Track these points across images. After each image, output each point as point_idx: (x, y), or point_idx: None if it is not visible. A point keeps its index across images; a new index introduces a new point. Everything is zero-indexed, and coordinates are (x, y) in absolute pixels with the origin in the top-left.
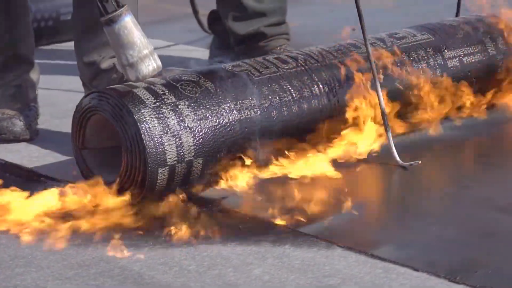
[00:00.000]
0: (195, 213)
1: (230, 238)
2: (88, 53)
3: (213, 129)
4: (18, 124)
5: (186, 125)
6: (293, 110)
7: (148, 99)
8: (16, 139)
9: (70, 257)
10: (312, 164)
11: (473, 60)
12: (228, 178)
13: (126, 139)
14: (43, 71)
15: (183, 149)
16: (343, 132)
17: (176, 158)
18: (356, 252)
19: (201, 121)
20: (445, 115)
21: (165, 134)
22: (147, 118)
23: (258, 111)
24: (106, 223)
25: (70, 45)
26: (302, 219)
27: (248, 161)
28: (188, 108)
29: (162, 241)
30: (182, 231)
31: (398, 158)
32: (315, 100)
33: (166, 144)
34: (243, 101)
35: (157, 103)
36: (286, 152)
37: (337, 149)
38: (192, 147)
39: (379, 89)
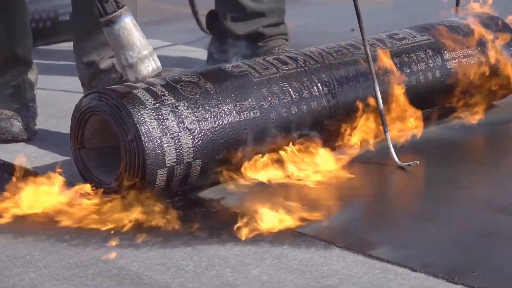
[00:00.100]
0: (192, 213)
1: (228, 238)
2: (87, 53)
3: (212, 130)
4: (16, 125)
5: (185, 126)
6: (292, 112)
7: (147, 100)
8: (14, 140)
9: (68, 257)
10: (311, 165)
11: (472, 62)
12: (226, 179)
13: (125, 140)
14: (41, 72)
15: (182, 151)
16: (342, 133)
17: (175, 160)
18: (354, 253)
19: (200, 123)
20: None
21: (164, 136)
22: (147, 119)
23: (258, 113)
24: (104, 223)
25: (68, 46)
26: (300, 220)
27: (246, 162)
28: (187, 109)
29: (160, 241)
30: (180, 231)
31: (396, 159)
32: (314, 101)
33: (165, 145)
34: (243, 103)
35: (157, 104)
36: (284, 153)
37: (336, 149)
38: (191, 149)
39: (377, 89)
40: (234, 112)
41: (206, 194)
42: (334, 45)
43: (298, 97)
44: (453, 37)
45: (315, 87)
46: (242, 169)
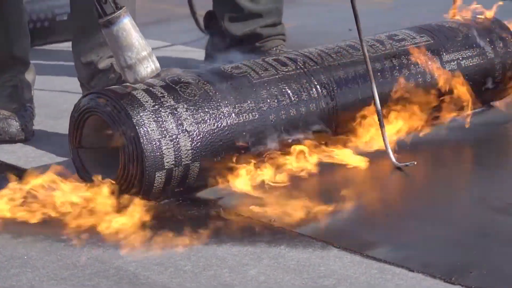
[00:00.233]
0: (190, 213)
1: (225, 238)
2: (85, 53)
3: (211, 132)
4: (14, 125)
5: (184, 128)
6: (291, 114)
7: (147, 101)
8: (12, 140)
9: (65, 257)
10: (308, 166)
11: (471, 64)
12: (225, 180)
13: (123, 142)
14: (39, 72)
15: (181, 153)
16: (340, 133)
17: (173, 162)
18: (351, 253)
19: (199, 125)
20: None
21: (163, 138)
22: (146, 121)
23: (257, 115)
24: (102, 223)
25: (65, 46)
26: (298, 220)
27: (245, 163)
28: (186, 111)
29: (157, 241)
30: (177, 231)
31: (393, 159)
32: (313, 103)
33: (164, 148)
34: (242, 105)
35: (156, 106)
36: (283, 153)
37: (334, 150)
38: (190, 151)
39: (375, 89)
40: (233, 114)
41: (204, 194)
42: (334, 46)
43: (297, 99)
44: (453, 38)
45: (314, 89)
46: (240, 171)
